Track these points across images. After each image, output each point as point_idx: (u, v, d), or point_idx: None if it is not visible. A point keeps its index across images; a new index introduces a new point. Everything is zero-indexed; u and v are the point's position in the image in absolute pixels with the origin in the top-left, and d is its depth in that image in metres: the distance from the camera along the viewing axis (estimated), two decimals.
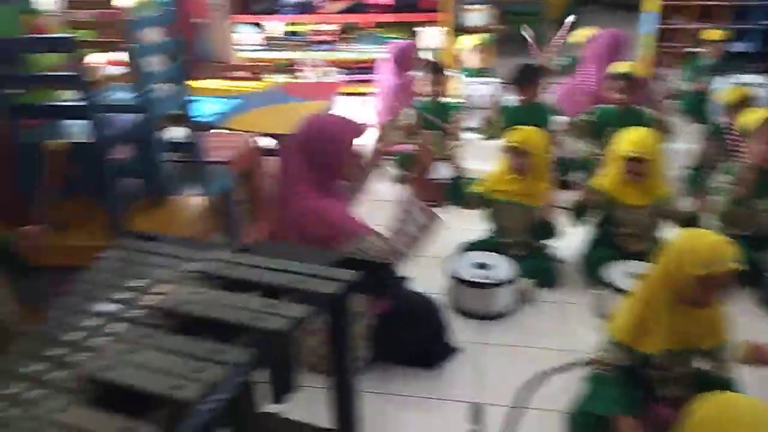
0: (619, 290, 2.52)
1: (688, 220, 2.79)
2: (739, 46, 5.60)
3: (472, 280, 2.61)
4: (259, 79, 4.60)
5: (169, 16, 2.27)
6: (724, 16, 5.61)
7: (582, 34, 5.19)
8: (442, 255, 2.86)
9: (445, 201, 3.71)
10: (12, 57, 2.16)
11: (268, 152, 3.56)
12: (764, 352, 2.34)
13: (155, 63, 2.39)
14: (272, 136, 3.42)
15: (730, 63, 5.17)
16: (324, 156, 2.03)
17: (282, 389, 1.44)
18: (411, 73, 4.59)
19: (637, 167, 2.70)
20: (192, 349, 1.14)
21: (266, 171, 3.32)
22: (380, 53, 5.75)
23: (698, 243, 1.76)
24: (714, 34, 5.13)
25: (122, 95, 2.40)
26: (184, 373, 1.06)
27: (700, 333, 1.92)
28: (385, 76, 4.66)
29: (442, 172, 3.81)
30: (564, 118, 4.36)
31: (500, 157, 2.95)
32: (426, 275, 2.72)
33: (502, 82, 5.05)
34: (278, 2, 6.16)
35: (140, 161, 2.23)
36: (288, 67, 6.19)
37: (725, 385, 1.94)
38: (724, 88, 4.01)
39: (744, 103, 3.66)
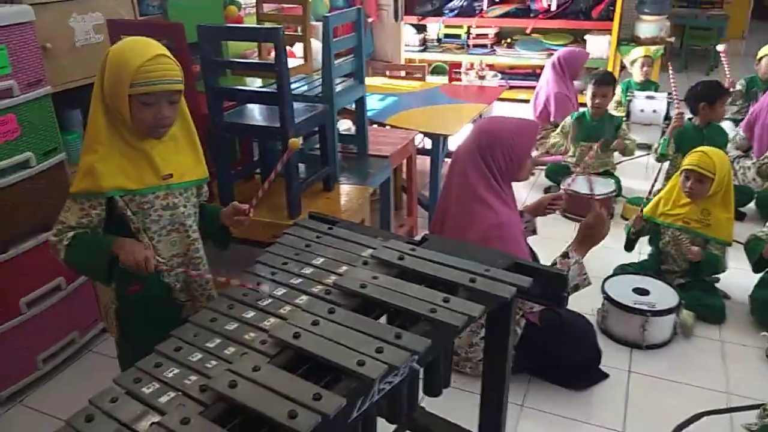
0: None
1: None
2: None
3: (630, 305, 2.47)
4: (418, 80, 4.69)
5: (357, 15, 2.38)
6: None
7: (764, 51, 4.72)
8: (598, 274, 2.73)
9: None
10: (216, 44, 2.39)
11: (422, 151, 3.62)
12: None
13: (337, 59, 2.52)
14: (426, 135, 3.48)
15: None
16: (504, 159, 2.02)
17: (439, 384, 1.46)
18: (576, 82, 4.45)
19: None
20: (372, 330, 1.19)
21: (418, 168, 3.39)
22: (540, 59, 5.64)
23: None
24: None
25: (301, 86, 2.57)
26: (366, 351, 1.11)
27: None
28: (545, 83, 4.55)
29: (600, 187, 3.65)
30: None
31: (672, 179, 2.76)
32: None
33: (675, 99, 4.72)
34: (442, 5, 6.24)
35: (318, 149, 2.37)
36: (450, 69, 6.23)
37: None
38: None
39: None
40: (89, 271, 1.57)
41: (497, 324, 1.54)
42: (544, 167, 4.09)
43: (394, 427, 1.64)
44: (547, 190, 4.03)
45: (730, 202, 2.67)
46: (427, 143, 3.54)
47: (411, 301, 1.29)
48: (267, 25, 3.01)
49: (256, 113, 2.36)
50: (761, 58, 4.77)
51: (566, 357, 2.22)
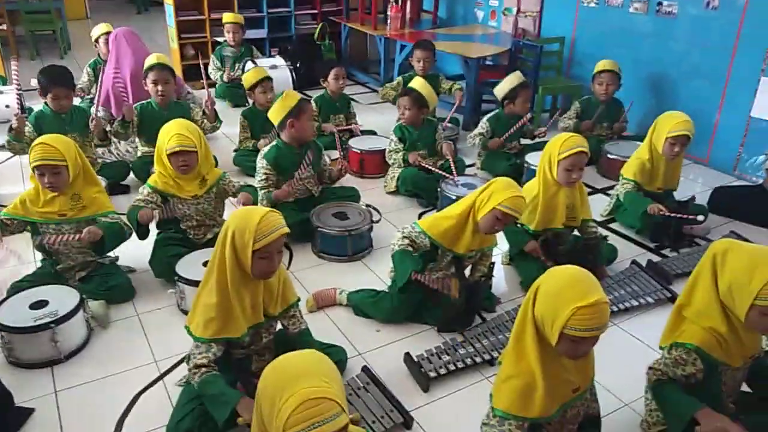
0: (194, 282, 2.50)
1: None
2: (254, 33, 6.15)
3: (31, 325, 2.22)
4: None
5: None
6: (233, 6, 6.05)
7: (98, 30, 4.93)
8: None
9: None
10: None
11: None
12: (324, 296, 2.69)
13: None
14: None
15: (250, 48, 5.67)
16: None
17: None
18: None
19: (186, 159, 2.70)
20: None
21: None
22: None
23: (249, 220, 1.81)
24: (228, 17, 5.51)
25: None
26: None
27: (272, 300, 2.04)
28: None
29: None
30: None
31: (31, 177, 2.54)
32: None
33: (22, 89, 4.42)
34: None
35: None
36: None
37: (303, 337, 2.14)
38: (248, 70, 4.36)
39: (261, 82, 4.07)
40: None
41: None
42: None
43: None
44: None
45: (93, 175, 2.67)
46: None
47: None
48: None
49: None
50: (97, 39, 4.94)
51: None
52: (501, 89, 4.02)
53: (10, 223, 2.53)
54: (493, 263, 2.52)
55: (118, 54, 4.36)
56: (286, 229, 1.86)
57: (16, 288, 2.49)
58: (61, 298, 2.36)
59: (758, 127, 4.04)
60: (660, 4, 4.44)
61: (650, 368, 2.00)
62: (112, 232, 2.60)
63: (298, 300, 2.14)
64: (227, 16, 5.52)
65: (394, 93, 4.55)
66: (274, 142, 3.22)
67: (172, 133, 2.67)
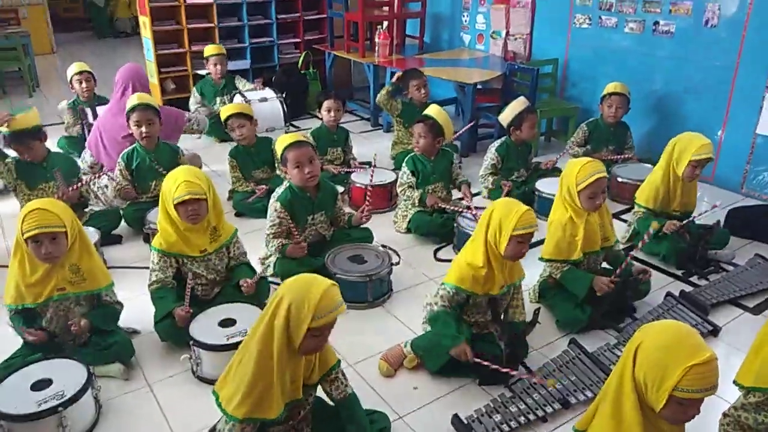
0: (212, 347, 2.29)
1: None
2: (236, 64, 5.95)
3: (35, 411, 1.94)
4: None
5: None
6: (214, 38, 5.85)
7: (72, 71, 4.67)
8: None
9: None
10: None
11: None
12: (395, 356, 2.45)
13: None
14: None
15: (232, 79, 5.46)
16: None
17: None
18: None
19: (195, 207, 2.49)
20: None
21: None
22: None
23: (309, 294, 1.63)
24: (211, 49, 5.28)
25: None
26: None
27: (310, 368, 1.86)
28: None
29: None
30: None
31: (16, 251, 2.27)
32: None
33: None
34: None
35: None
36: None
37: (349, 408, 1.96)
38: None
39: (230, 118, 3.88)
40: None
41: None
42: None
43: None
44: None
45: (89, 243, 2.40)
46: None
47: None
48: None
49: None
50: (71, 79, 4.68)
51: None
52: (506, 117, 3.90)
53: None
54: (539, 308, 2.35)
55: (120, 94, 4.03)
56: (345, 307, 1.71)
57: (10, 366, 2.20)
58: (66, 374, 2.10)
59: (765, 144, 4.00)
60: (657, 23, 4.40)
61: (725, 415, 1.86)
62: (106, 321, 2.43)
63: (339, 362, 1.94)
64: (210, 49, 5.29)
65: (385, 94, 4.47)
66: (286, 183, 3.01)
67: (179, 181, 2.45)
